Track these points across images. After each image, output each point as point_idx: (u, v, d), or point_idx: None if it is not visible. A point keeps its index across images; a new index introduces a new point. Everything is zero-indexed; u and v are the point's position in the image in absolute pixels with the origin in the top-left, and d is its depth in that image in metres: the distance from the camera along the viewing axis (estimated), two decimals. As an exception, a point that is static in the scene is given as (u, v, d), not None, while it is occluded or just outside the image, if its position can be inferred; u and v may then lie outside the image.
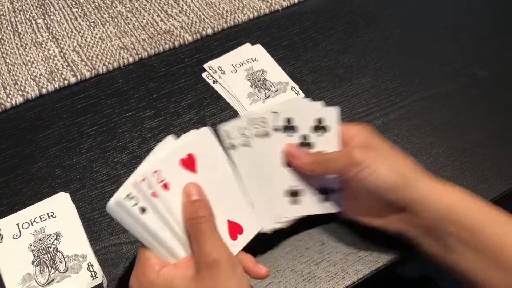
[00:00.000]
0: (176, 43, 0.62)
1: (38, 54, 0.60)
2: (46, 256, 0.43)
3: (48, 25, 0.63)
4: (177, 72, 0.59)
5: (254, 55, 0.60)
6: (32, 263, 0.43)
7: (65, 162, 0.51)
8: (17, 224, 0.45)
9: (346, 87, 0.58)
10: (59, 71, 0.58)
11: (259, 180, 0.43)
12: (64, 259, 0.43)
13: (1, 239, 0.44)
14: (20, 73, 0.58)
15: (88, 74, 0.58)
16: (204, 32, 0.63)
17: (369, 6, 0.68)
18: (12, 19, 0.64)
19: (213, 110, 0.56)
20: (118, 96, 0.57)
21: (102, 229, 0.47)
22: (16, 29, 0.63)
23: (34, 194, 0.49)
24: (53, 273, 0.42)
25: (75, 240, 0.44)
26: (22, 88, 0.57)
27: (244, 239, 0.42)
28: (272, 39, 0.63)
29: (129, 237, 0.46)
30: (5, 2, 0.65)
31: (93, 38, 0.62)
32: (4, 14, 0.64)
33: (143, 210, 0.36)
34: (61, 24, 0.64)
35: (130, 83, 0.58)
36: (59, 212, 0.46)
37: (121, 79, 0.59)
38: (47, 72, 0.58)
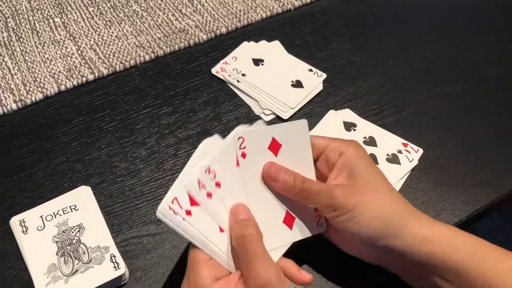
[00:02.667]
0: (191, 42, 0.63)
1: (56, 52, 0.61)
2: (69, 247, 0.44)
3: (66, 24, 0.65)
4: (193, 70, 0.61)
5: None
6: (56, 254, 0.44)
7: (85, 157, 0.53)
8: (41, 217, 0.46)
9: (358, 85, 0.60)
10: (77, 69, 0.60)
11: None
12: (87, 250, 0.44)
13: (26, 230, 0.45)
14: (39, 70, 0.59)
15: (105, 72, 0.59)
16: (218, 31, 0.64)
17: (378, 7, 0.69)
18: (30, 18, 0.65)
19: (229, 107, 0.57)
20: (135, 93, 0.58)
21: (122, 222, 0.48)
22: (34, 27, 0.64)
23: (56, 188, 0.50)
24: (77, 264, 0.43)
25: (97, 232, 0.46)
26: (42, 85, 0.58)
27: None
28: (284, 38, 0.64)
29: (149, 230, 0.48)
30: (23, 1, 0.67)
31: (109, 36, 0.63)
32: (23, 12, 0.65)
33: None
34: (78, 23, 0.65)
35: (147, 81, 0.59)
36: (81, 205, 0.47)
37: (138, 77, 0.60)
38: (66, 70, 0.59)
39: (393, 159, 0.52)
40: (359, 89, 0.59)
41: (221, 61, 0.60)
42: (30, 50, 0.61)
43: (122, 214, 0.49)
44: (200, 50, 0.63)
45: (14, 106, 0.56)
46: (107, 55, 0.61)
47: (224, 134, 0.54)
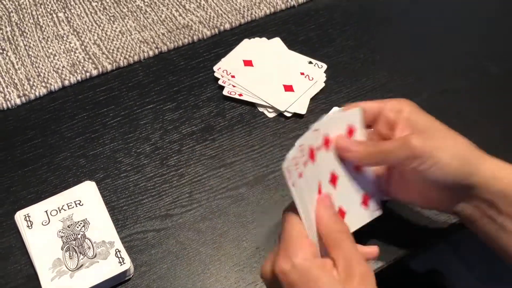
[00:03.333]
0: (195, 38, 0.63)
1: (60, 47, 0.61)
2: (74, 242, 0.44)
3: (69, 19, 0.64)
4: (196, 66, 0.61)
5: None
6: (62, 249, 0.44)
7: (89, 152, 0.53)
8: (46, 211, 0.46)
9: (362, 82, 0.60)
10: (81, 64, 0.60)
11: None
12: (92, 245, 0.44)
13: (31, 225, 0.45)
14: (43, 65, 0.59)
15: (109, 67, 0.59)
16: (222, 27, 0.64)
17: (382, 4, 0.69)
18: (34, 13, 0.65)
19: (232, 104, 0.57)
20: (139, 89, 0.58)
21: (127, 217, 0.48)
22: (37, 22, 0.64)
23: (60, 183, 0.50)
24: (82, 259, 0.44)
25: (102, 227, 0.46)
26: (45, 80, 0.58)
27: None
28: (288, 34, 0.64)
29: (154, 225, 0.48)
30: (26, -5, 0.67)
31: (113, 31, 0.63)
32: (26, 7, 0.65)
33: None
34: (81, 18, 0.65)
35: (150, 76, 0.59)
36: (86, 200, 0.47)
37: (142, 72, 0.60)
38: (69, 65, 0.59)
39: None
40: (363, 86, 0.59)
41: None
42: (33, 45, 0.61)
43: (126, 209, 0.49)
44: (203, 46, 0.63)
45: (18, 101, 0.56)
46: (111, 50, 0.61)
47: (228, 130, 0.55)
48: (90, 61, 0.60)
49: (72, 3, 0.66)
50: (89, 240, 0.45)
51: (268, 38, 0.63)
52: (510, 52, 0.64)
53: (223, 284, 0.45)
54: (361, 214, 0.43)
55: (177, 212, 0.49)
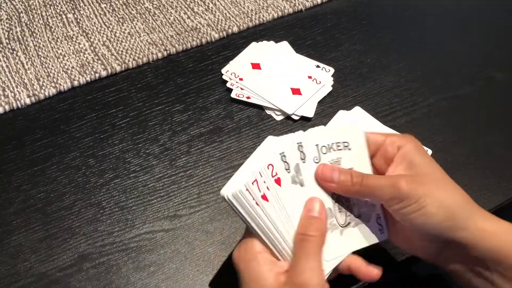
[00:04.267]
0: (203, 40, 0.63)
1: (69, 48, 0.62)
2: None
3: (78, 20, 0.65)
4: (205, 68, 0.61)
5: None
6: (332, 198, 0.40)
7: (98, 152, 0.53)
8: (317, 145, 0.40)
9: (369, 86, 0.60)
10: (90, 65, 0.60)
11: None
12: (356, 203, 0.41)
13: (304, 158, 0.40)
14: (52, 65, 0.60)
15: (118, 68, 0.60)
16: (230, 30, 0.65)
17: (389, 9, 0.70)
18: (43, 13, 0.65)
19: (240, 106, 0.58)
20: (148, 90, 0.59)
21: (136, 217, 0.49)
22: (47, 22, 0.64)
23: (69, 183, 0.51)
24: (348, 216, 0.41)
25: None
26: (55, 80, 0.58)
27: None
28: (296, 38, 0.65)
29: (162, 226, 0.48)
30: (35, -4, 0.67)
31: (122, 33, 0.64)
32: (35, 8, 0.66)
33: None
34: (90, 19, 0.65)
35: (159, 78, 0.60)
36: (353, 145, 0.41)
37: (151, 74, 0.60)
38: (79, 65, 0.60)
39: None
40: (370, 90, 0.60)
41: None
42: (43, 45, 0.62)
43: (135, 209, 0.49)
44: (212, 48, 0.63)
45: (27, 101, 0.56)
46: (120, 52, 0.61)
47: (236, 132, 0.55)
48: (99, 62, 0.60)
49: (81, 4, 0.67)
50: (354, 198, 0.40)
51: (276, 42, 0.64)
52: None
53: (233, 284, 0.45)
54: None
55: (185, 212, 0.49)
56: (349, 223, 0.41)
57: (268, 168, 0.38)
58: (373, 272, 0.39)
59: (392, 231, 0.42)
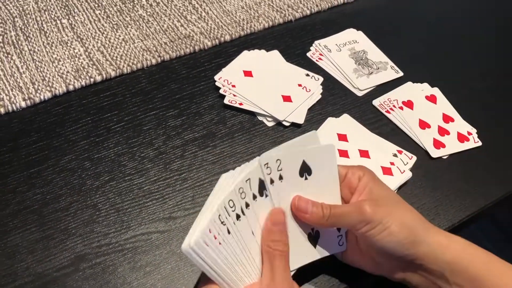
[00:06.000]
0: (196, 48, 0.65)
1: (64, 53, 0.63)
2: (361, 61, 0.64)
3: (73, 25, 0.66)
4: (198, 75, 0.63)
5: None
6: (355, 63, 0.64)
7: (94, 156, 0.54)
8: (336, 44, 0.67)
9: (356, 94, 0.62)
10: (85, 69, 0.61)
11: None
12: (374, 62, 0.64)
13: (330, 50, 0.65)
14: (47, 69, 0.60)
15: (113, 73, 0.61)
16: (222, 39, 0.67)
17: (374, 21, 0.72)
18: (38, 18, 0.66)
19: (233, 112, 0.59)
20: (142, 95, 0.60)
21: (131, 219, 0.50)
22: (42, 27, 0.65)
23: (65, 185, 0.51)
24: (369, 68, 0.63)
25: (375, 52, 0.66)
26: (50, 84, 0.59)
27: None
28: (286, 47, 0.67)
29: (158, 227, 0.49)
30: (30, 1, 0.68)
31: (116, 39, 0.65)
32: (30, 13, 0.67)
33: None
34: (85, 25, 0.66)
35: (153, 84, 0.61)
36: (360, 40, 0.68)
37: (145, 80, 0.61)
38: (74, 70, 0.61)
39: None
40: (357, 98, 0.62)
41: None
42: (38, 50, 0.62)
43: (131, 211, 0.50)
44: (205, 56, 0.65)
45: (23, 104, 0.57)
46: (114, 57, 0.63)
47: (229, 137, 0.57)
48: (94, 67, 0.61)
49: (76, 10, 0.68)
50: (370, 60, 0.64)
51: (267, 51, 0.66)
52: (495, 69, 0.68)
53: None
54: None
55: (180, 215, 0.50)
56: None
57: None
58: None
59: (359, 254, 0.45)
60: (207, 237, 0.36)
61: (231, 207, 0.38)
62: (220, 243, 0.37)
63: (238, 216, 0.39)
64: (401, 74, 0.65)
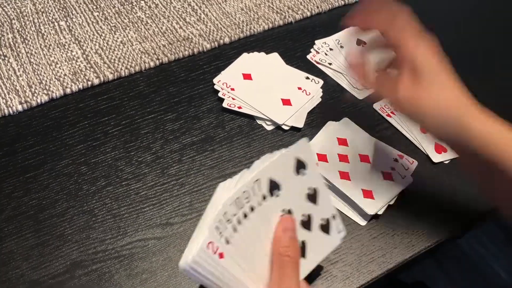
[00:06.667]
0: (195, 50, 0.64)
1: (61, 55, 0.62)
2: None
3: (71, 28, 0.65)
4: (197, 78, 0.62)
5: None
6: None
7: (91, 160, 0.53)
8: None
9: (357, 98, 0.62)
10: (83, 72, 0.60)
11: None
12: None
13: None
14: (44, 72, 0.60)
15: (110, 76, 0.60)
16: (221, 41, 0.66)
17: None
18: (36, 20, 0.66)
19: (232, 115, 0.59)
20: (140, 99, 0.59)
21: (128, 225, 0.49)
22: (39, 30, 0.64)
23: (61, 190, 0.51)
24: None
25: None
26: (47, 87, 0.58)
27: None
28: (286, 49, 0.66)
29: (154, 233, 0.49)
30: (27, 3, 0.67)
31: (114, 41, 0.64)
32: (28, 15, 0.66)
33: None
34: (83, 27, 0.66)
35: (151, 87, 0.60)
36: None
37: (143, 83, 0.61)
38: (71, 73, 0.60)
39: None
40: (358, 102, 0.61)
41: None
42: (35, 52, 0.62)
43: (128, 217, 0.50)
44: (203, 58, 0.64)
45: (19, 107, 0.56)
46: (112, 60, 0.62)
47: (227, 141, 0.56)
48: (92, 70, 0.61)
49: (74, 12, 0.67)
50: None
51: (267, 53, 0.65)
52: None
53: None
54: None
55: (177, 220, 0.50)
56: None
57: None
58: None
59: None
60: (205, 253, 0.35)
61: (227, 219, 0.38)
62: (220, 257, 0.37)
63: (235, 228, 0.38)
64: None
